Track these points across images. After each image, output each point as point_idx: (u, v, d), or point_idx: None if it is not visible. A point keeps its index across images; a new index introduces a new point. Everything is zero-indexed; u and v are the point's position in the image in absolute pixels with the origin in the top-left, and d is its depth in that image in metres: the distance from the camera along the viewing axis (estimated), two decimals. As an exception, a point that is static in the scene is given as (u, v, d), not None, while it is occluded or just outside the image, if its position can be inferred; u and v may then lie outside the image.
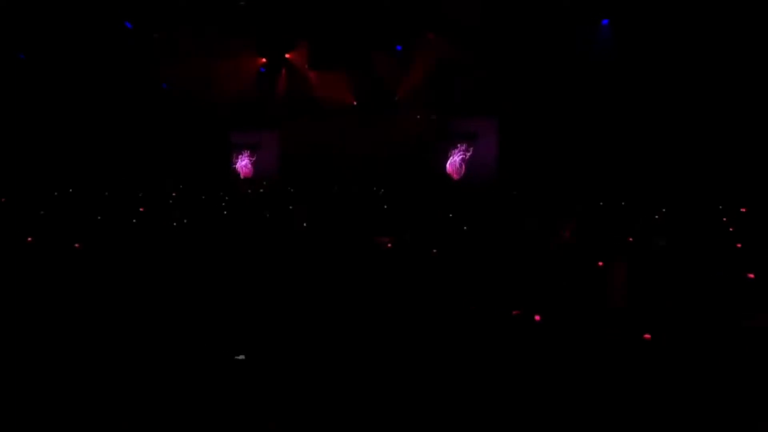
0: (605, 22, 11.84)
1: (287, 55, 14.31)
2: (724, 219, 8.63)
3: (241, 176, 15.02)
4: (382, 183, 14.06)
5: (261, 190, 14.15)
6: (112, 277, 5.98)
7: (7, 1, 10.32)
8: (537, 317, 4.56)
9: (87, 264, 6.56)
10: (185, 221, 9.38)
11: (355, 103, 14.59)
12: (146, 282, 5.79)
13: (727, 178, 10.67)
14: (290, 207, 10.80)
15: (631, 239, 7.14)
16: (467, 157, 14.34)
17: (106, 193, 12.93)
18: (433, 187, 13.70)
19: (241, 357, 3.94)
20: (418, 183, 13.89)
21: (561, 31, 12.15)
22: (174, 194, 13.18)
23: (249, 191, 14.11)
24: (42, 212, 10.19)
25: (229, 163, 14.94)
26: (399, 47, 13.50)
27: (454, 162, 14.49)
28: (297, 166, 14.66)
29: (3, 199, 11.37)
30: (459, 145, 14.34)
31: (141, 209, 10.63)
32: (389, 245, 7.16)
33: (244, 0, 11.72)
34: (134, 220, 9.46)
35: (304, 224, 9.14)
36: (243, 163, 15.00)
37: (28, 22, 11.18)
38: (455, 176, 14.50)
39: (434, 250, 6.88)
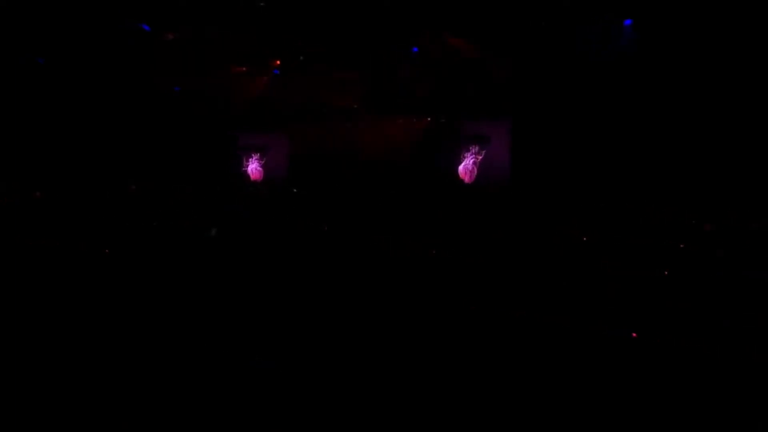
0: (628, 22, 11.67)
1: (300, 57, 14.36)
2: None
3: (251, 179, 15.12)
4: (393, 185, 14.06)
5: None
6: (133, 280, 6.11)
7: (14, 4, 10.48)
8: (634, 335, 4.22)
9: (114, 267, 6.70)
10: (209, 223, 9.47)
11: (366, 105, 14.60)
12: (161, 285, 5.89)
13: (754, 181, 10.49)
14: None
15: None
16: (479, 160, 14.28)
17: (120, 196, 13.15)
18: (444, 190, 13.68)
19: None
20: (428, 185, 13.87)
21: (574, 31, 12.05)
22: (191, 199, 13.32)
23: (267, 194, 14.20)
24: (60, 215, 10.41)
25: (240, 166, 15.04)
26: (415, 49, 13.40)
27: (466, 165, 14.43)
28: (307, 168, 14.70)
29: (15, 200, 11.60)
30: (471, 148, 14.28)
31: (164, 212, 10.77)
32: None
33: (263, 1, 11.72)
34: (155, 224, 9.57)
35: (325, 228, 9.18)
36: (253, 166, 15.10)
37: (39, 25, 11.36)
38: (467, 179, 14.45)
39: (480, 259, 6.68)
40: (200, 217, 10.31)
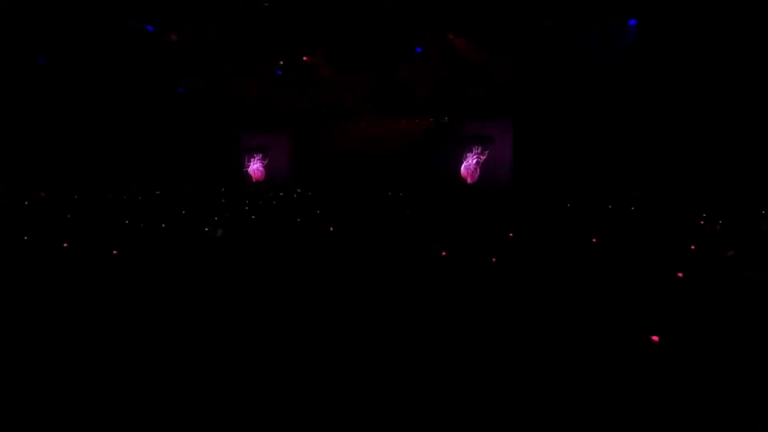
0: (632, 22, 11.66)
1: (304, 58, 14.39)
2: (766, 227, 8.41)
3: (254, 179, 15.18)
4: (396, 186, 14.09)
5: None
6: (133, 279, 6.14)
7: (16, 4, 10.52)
8: (655, 338, 4.07)
9: (114, 267, 6.73)
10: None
11: (369, 105, 14.63)
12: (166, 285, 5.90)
13: (753, 181, 10.48)
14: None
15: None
16: (482, 160, 14.27)
17: (125, 197, 13.18)
18: (447, 190, 13.70)
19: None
20: (431, 185, 13.89)
21: (575, 31, 12.04)
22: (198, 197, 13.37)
23: (271, 194, 14.28)
24: (61, 215, 10.45)
25: (241, 166, 15.10)
26: (419, 49, 13.42)
27: (468, 165, 14.42)
28: (308, 169, 14.76)
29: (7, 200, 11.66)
30: (474, 148, 14.28)
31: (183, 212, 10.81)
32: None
33: (267, 1, 11.74)
34: (163, 225, 9.58)
35: (330, 228, 9.19)
36: (255, 167, 15.16)
37: (42, 25, 11.40)
38: (469, 179, 14.43)
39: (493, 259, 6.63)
40: (201, 217, 10.33)
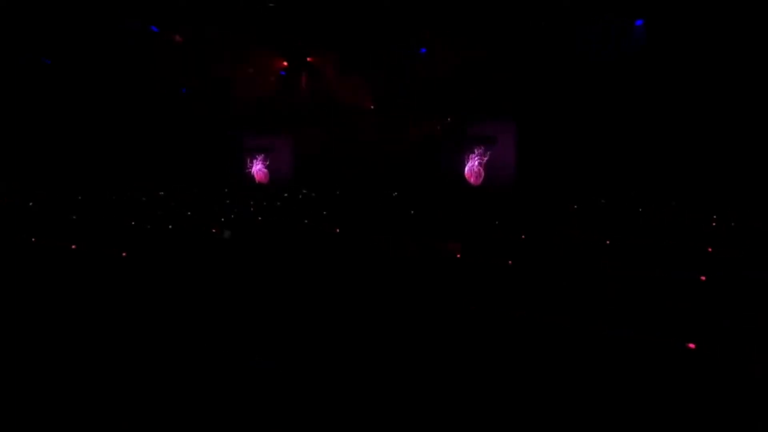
0: (639, 22, 11.64)
1: (308, 59, 14.41)
2: None
3: (256, 180, 15.19)
4: (399, 187, 14.11)
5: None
6: (134, 279, 6.18)
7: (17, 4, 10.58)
8: (691, 345, 3.97)
9: (114, 267, 6.77)
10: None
11: (372, 106, 14.64)
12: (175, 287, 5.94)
13: (754, 181, 10.45)
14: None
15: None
16: (485, 161, 14.25)
17: (127, 197, 13.24)
18: (450, 191, 13.70)
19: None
20: (434, 186, 13.90)
21: (577, 31, 12.03)
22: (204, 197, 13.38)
23: (269, 194, 14.29)
24: (73, 217, 10.50)
25: (244, 167, 15.11)
26: (423, 50, 13.42)
27: (472, 166, 14.40)
28: (311, 170, 14.78)
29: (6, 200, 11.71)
30: (477, 149, 14.26)
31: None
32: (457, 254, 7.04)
33: (273, 2, 11.79)
34: (170, 226, 9.60)
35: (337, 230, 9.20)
36: (257, 168, 15.17)
37: (42, 25, 11.46)
38: (473, 181, 14.41)
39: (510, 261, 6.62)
40: (206, 219, 10.37)
